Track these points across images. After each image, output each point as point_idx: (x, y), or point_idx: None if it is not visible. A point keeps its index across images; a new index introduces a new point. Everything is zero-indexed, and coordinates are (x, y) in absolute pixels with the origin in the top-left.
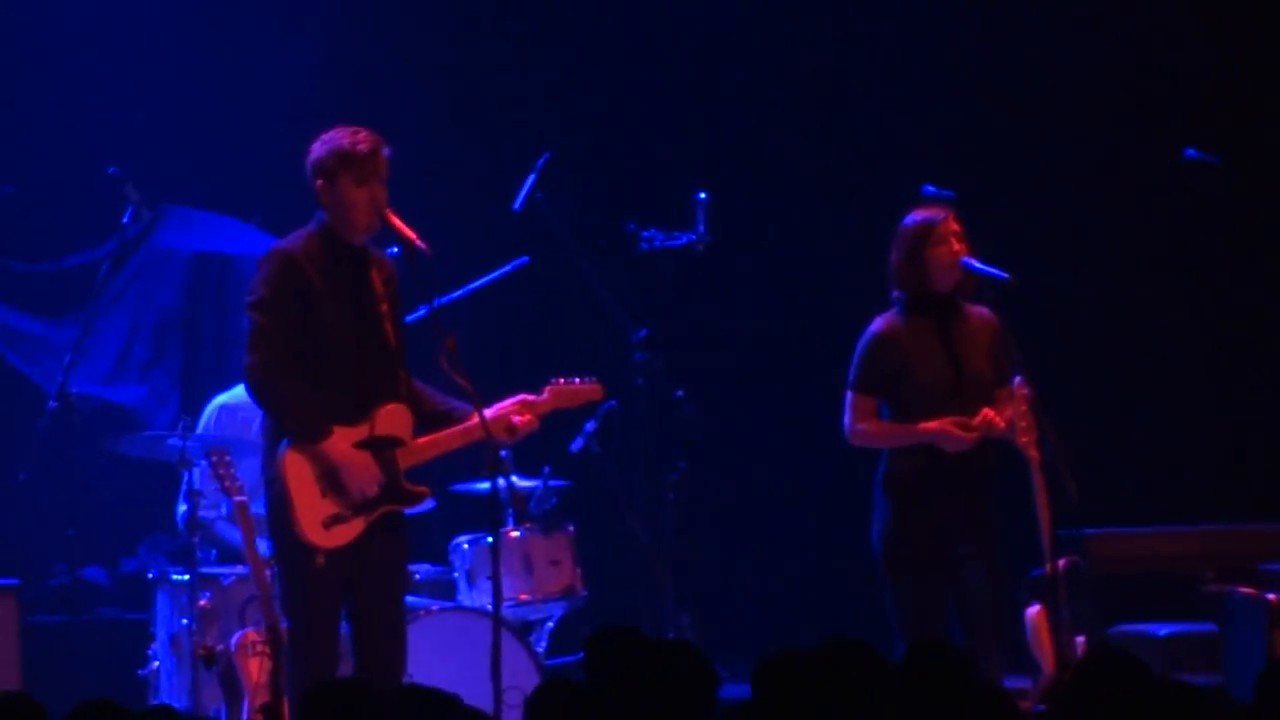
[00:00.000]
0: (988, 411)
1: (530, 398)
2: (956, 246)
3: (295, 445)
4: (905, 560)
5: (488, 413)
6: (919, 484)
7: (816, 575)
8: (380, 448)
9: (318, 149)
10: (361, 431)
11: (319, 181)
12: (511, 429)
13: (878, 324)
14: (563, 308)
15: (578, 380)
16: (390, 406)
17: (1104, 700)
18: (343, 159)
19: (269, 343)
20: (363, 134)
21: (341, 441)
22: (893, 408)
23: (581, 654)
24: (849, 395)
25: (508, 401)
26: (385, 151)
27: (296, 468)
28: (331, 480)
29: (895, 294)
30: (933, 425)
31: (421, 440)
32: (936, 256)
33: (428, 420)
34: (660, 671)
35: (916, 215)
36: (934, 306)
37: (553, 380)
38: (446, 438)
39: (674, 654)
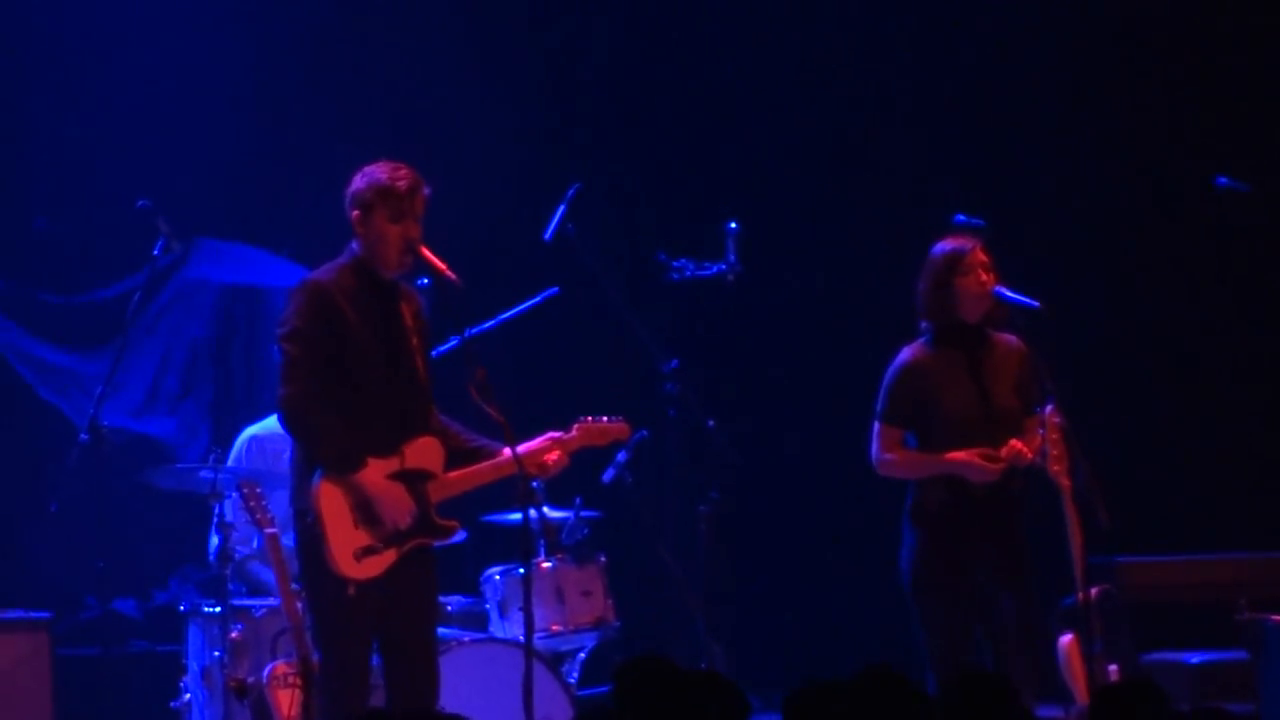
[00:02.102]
0: (1015, 443)
1: (559, 435)
2: (984, 277)
3: (329, 476)
4: (934, 590)
5: (521, 448)
6: (947, 514)
7: (849, 605)
8: (412, 481)
9: (358, 181)
10: (393, 464)
11: (355, 213)
12: (543, 466)
13: (905, 354)
14: (593, 338)
15: (605, 419)
16: (421, 440)
17: None
18: (380, 194)
19: (302, 373)
20: (404, 171)
21: (375, 473)
22: (920, 438)
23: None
24: (876, 425)
25: (538, 439)
26: (424, 191)
27: (330, 498)
28: (365, 511)
29: (923, 324)
30: (959, 456)
31: (453, 474)
32: (965, 286)
33: (455, 456)
34: (690, 701)
35: (945, 245)
36: (962, 336)
37: (581, 418)
38: (478, 472)
39: (704, 684)
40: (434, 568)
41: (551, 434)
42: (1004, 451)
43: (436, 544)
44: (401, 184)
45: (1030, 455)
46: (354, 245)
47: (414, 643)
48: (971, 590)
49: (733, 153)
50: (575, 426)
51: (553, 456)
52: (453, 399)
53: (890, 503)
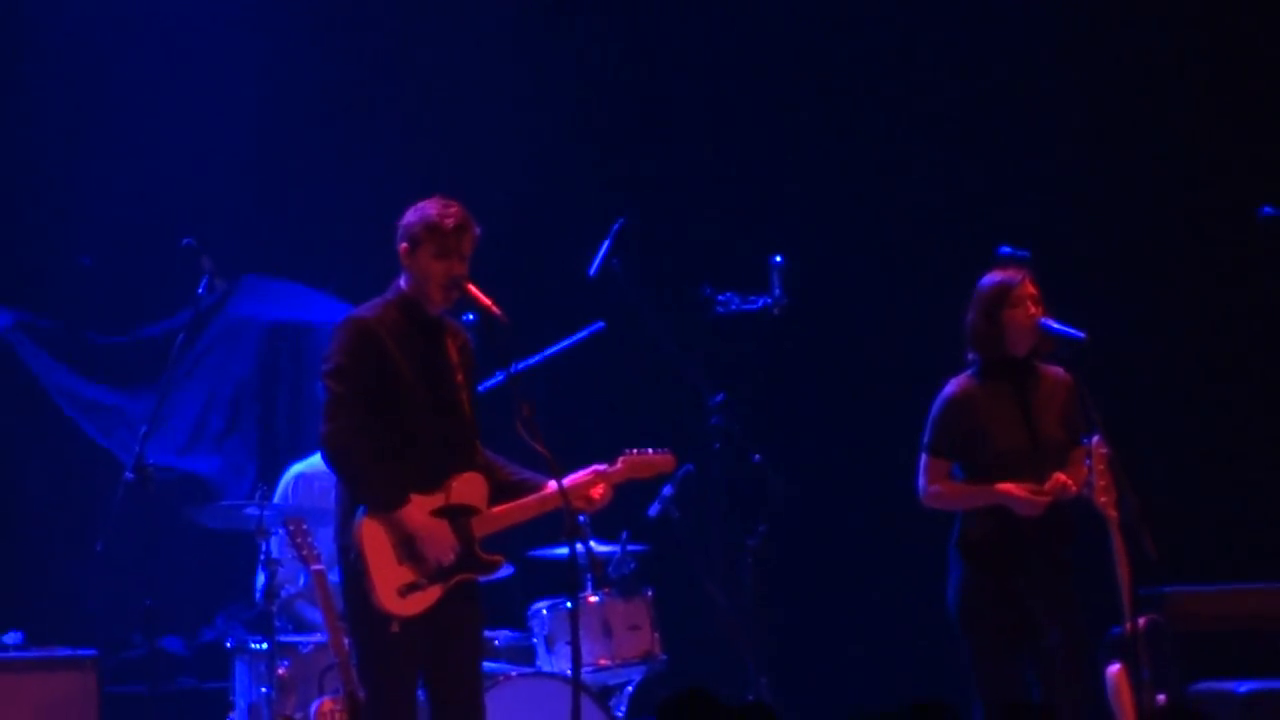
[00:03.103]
0: (1060, 476)
1: (604, 468)
2: (1033, 309)
3: (372, 513)
4: (982, 622)
5: (565, 481)
6: (993, 546)
7: (896, 637)
8: (456, 516)
9: (409, 215)
10: (438, 500)
11: (403, 245)
12: (589, 500)
13: (952, 386)
14: (639, 373)
15: (650, 451)
16: (466, 475)
17: None
18: (429, 229)
19: (345, 410)
20: (454, 209)
21: (418, 510)
22: (967, 470)
23: None
24: (923, 458)
25: (583, 472)
26: (475, 230)
27: (373, 535)
28: (408, 548)
29: (970, 355)
30: (1006, 488)
31: (497, 509)
32: (1014, 319)
33: (500, 490)
34: None
35: (993, 277)
36: (1009, 368)
37: (626, 451)
38: (523, 507)
39: (747, 717)
40: (479, 603)
41: (597, 467)
42: (1049, 485)
43: (481, 579)
44: (450, 221)
45: (1075, 488)
46: (400, 281)
47: (459, 678)
48: (1018, 622)
49: (778, 186)
50: (620, 459)
51: (598, 490)
52: (499, 435)
53: (937, 535)
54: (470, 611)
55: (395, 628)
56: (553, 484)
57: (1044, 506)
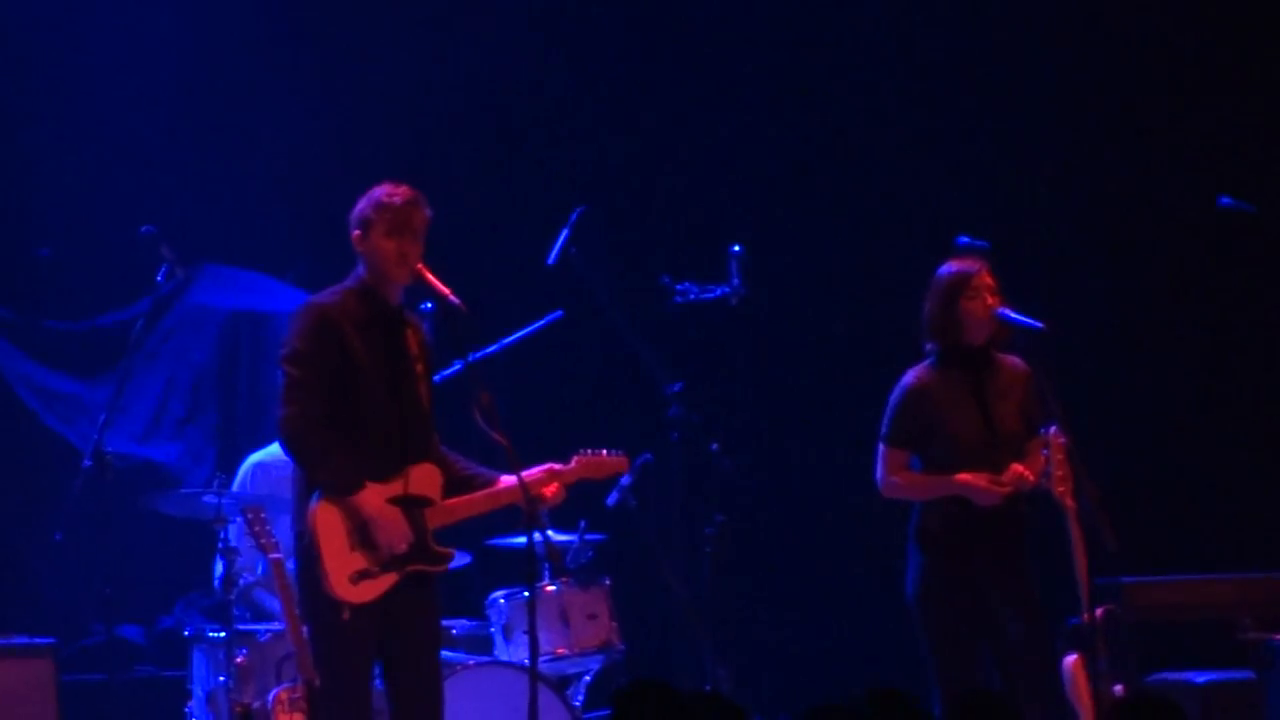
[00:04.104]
0: (1018, 467)
1: (558, 467)
2: (990, 300)
3: (327, 498)
4: (940, 611)
5: (510, 479)
6: (951, 535)
7: (854, 626)
8: (411, 506)
9: (360, 201)
10: (394, 489)
11: (355, 232)
12: (541, 497)
13: (910, 377)
14: (597, 362)
15: (605, 452)
16: (423, 466)
17: None
18: (378, 208)
19: (303, 395)
20: (403, 189)
21: (374, 496)
22: (925, 460)
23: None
24: (881, 448)
25: (537, 469)
26: (425, 211)
27: (327, 521)
28: (362, 535)
29: (928, 346)
30: (965, 478)
31: (451, 502)
32: (971, 309)
33: (453, 484)
34: None
35: (950, 267)
36: (967, 358)
37: (581, 451)
38: (476, 500)
39: (704, 705)
40: (435, 592)
41: (551, 465)
42: (1007, 476)
43: (434, 570)
44: (398, 199)
45: (1033, 479)
46: (359, 269)
47: (416, 667)
48: (976, 611)
49: (736, 176)
50: (575, 459)
51: (551, 489)
52: (457, 423)
53: (895, 524)
54: (424, 600)
55: (346, 615)
56: (505, 480)
57: (1003, 497)
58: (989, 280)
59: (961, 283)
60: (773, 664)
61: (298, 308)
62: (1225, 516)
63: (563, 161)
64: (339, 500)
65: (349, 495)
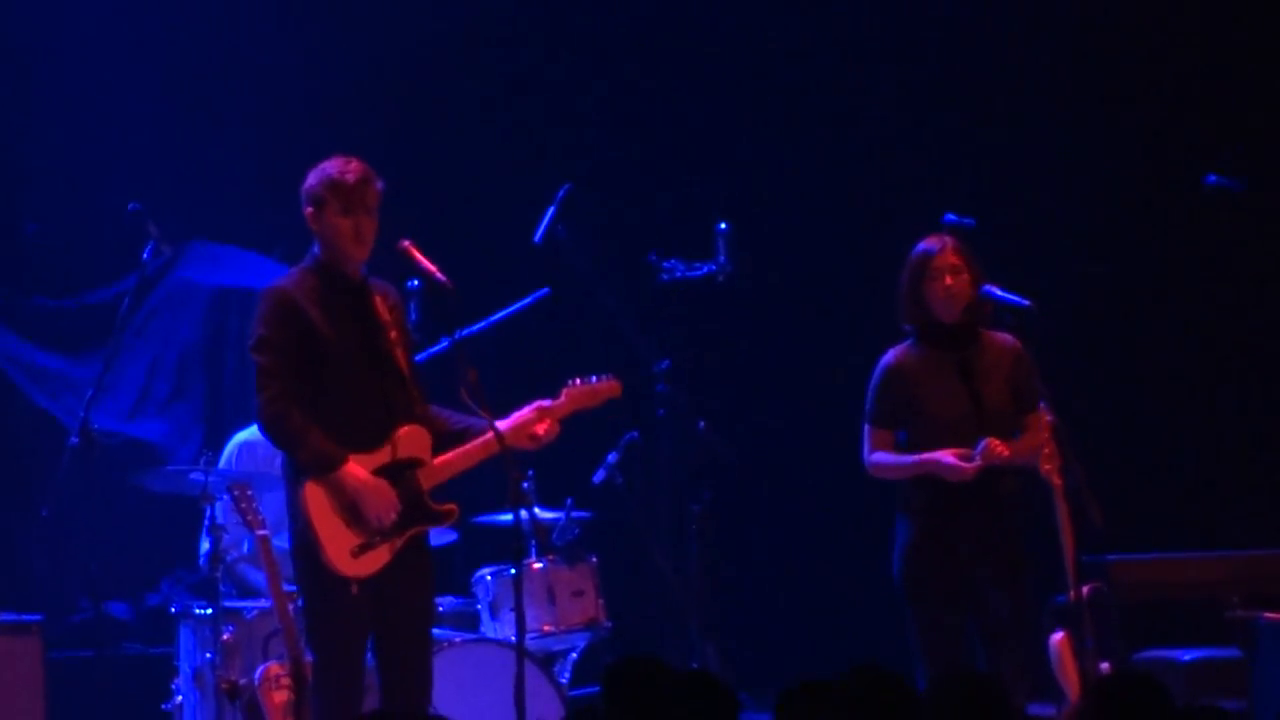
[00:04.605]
0: (992, 441)
1: (547, 403)
2: (949, 280)
3: (312, 478)
4: (924, 588)
5: (505, 423)
6: (936, 512)
7: (841, 603)
8: (402, 471)
9: (310, 178)
10: (382, 456)
11: (308, 210)
12: (533, 437)
13: (888, 357)
14: (584, 339)
15: (594, 378)
16: (407, 429)
17: None
18: (330, 187)
19: (274, 380)
20: (354, 164)
21: (358, 470)
22: (909, 439)
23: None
24: (865, 427)
25: (525, 410)
26: (376, 184)
27: (317, 501)
28: (352, 510)
29: (905, 326)
30: (934, 455)
31: (441, 459)
32: (932, 291)
33: (445, 440)
34: (679, 701)
35: (918, 246)
36: (949, 336)
37: (569, 382)
38: (466, 453)
39: (693, 683)
40: (431, 568)
41: (540, 403)
42: (978, 451)
43: (434, 535)
44: (350, 176)
45: (1006, 452)
46: (314, 248)
47: (409, 644)
48: (962, 588)
49: (723, 153)
50: (563, 392)
51: (542, 427)
52: (443, 401)
53: (882, 501)
54: (421, 572)
55: (355, 590)
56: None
57: (974, 472)
58: (951, 260)
59: (923, 264)
60: (759, 641)
61: (259, 294)
62: (1212, 495)
63: (549, 139)
64: (323, 479)
65: (331, 473)
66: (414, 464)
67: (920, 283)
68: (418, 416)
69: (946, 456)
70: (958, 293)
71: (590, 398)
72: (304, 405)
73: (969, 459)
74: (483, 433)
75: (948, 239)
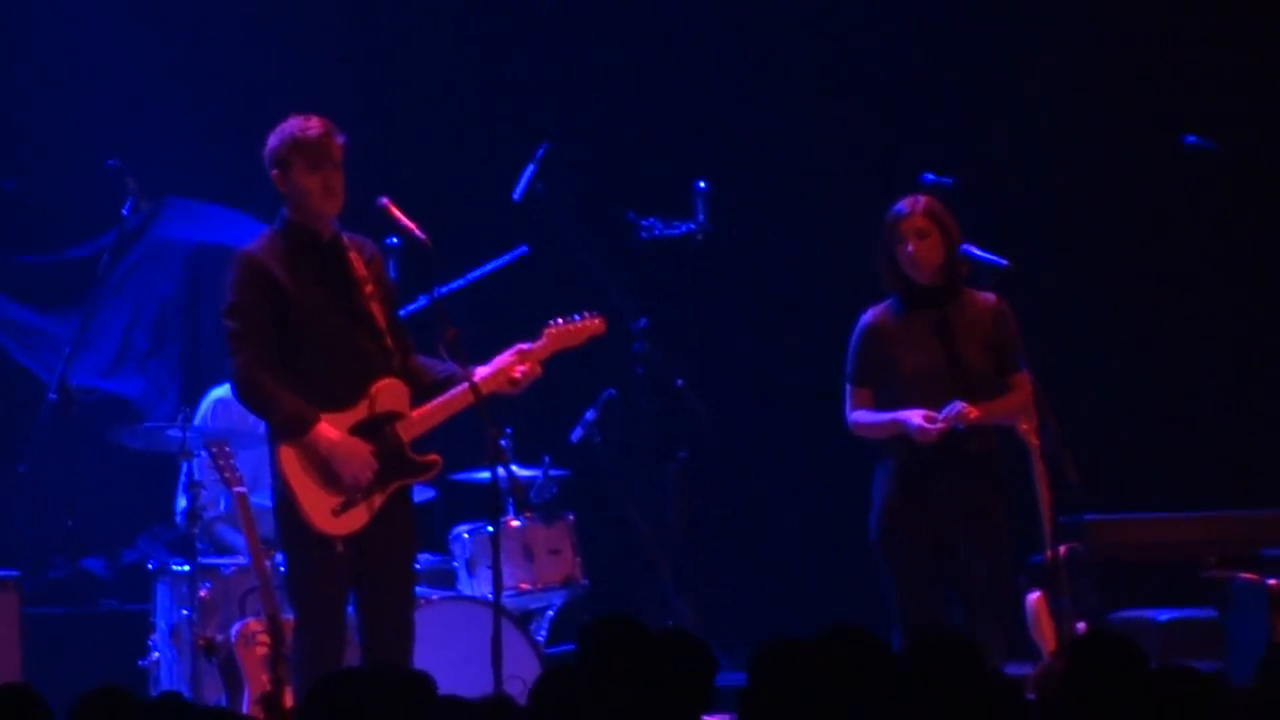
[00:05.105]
0: (959, 404)
1: (527, 346)
2: (912, 246)
3: (286, 440)
4: (901, 547)
5: (485, 370)
6: (914, 470)
7: (818, 563)
8: (381, 426)
9: (271, 140)
10: (359, 412)
11: (274, 172)
12: (513, 380)
13: (868, 316)
14: (562, 297)
15: (576, 317)
16: (383, 382)
17: (1100, 686)
18: (294, 146)
19: (246, 345)
20: (314, 120)
21: (330, 430)
22: (889, 399)
23: None
24: (847, 387)
25: (505, 354)
26: (339, 138)
27: (293, 463)
28: (327, 470)
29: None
30: (899, 415)
31: (419, 411)
32: (901, 254)
33: (427, 390)
34: (655, 659)
35: (892, 207)
36: (929, 296)
37: (550, 322)
38: (445, 403)
39: (669, 642)
40: (414, 523)
41: (520, 345)
42: (944, 413)
43: (417, 486)
44: (313, 132)
45: (975, 416)
46: (283, 211)
47: (390, 598)
48: (940, 547)
49: (702, 111)
50: (544, 332)
51: (521, 370)
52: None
53: (860, 461)
54: (403, 528)
55: (340, 548)
56: (477, 373)
57: (936, 435)
58: (919, 223)
59: (893, 226)
60: (735, 599)
61: (230, 260)
62: (1189, 455)
63: (529, 97)
64: (296, 442)
65: (304, 434)
66: (392, 418)
67: (891, 245)
68: (396, 370)
69: (913, 418)
70: (922, 257)
71: (572, 337)
72: (276, 368)
73: (934, 421)
74: (461, 381)
75: (921, 200)
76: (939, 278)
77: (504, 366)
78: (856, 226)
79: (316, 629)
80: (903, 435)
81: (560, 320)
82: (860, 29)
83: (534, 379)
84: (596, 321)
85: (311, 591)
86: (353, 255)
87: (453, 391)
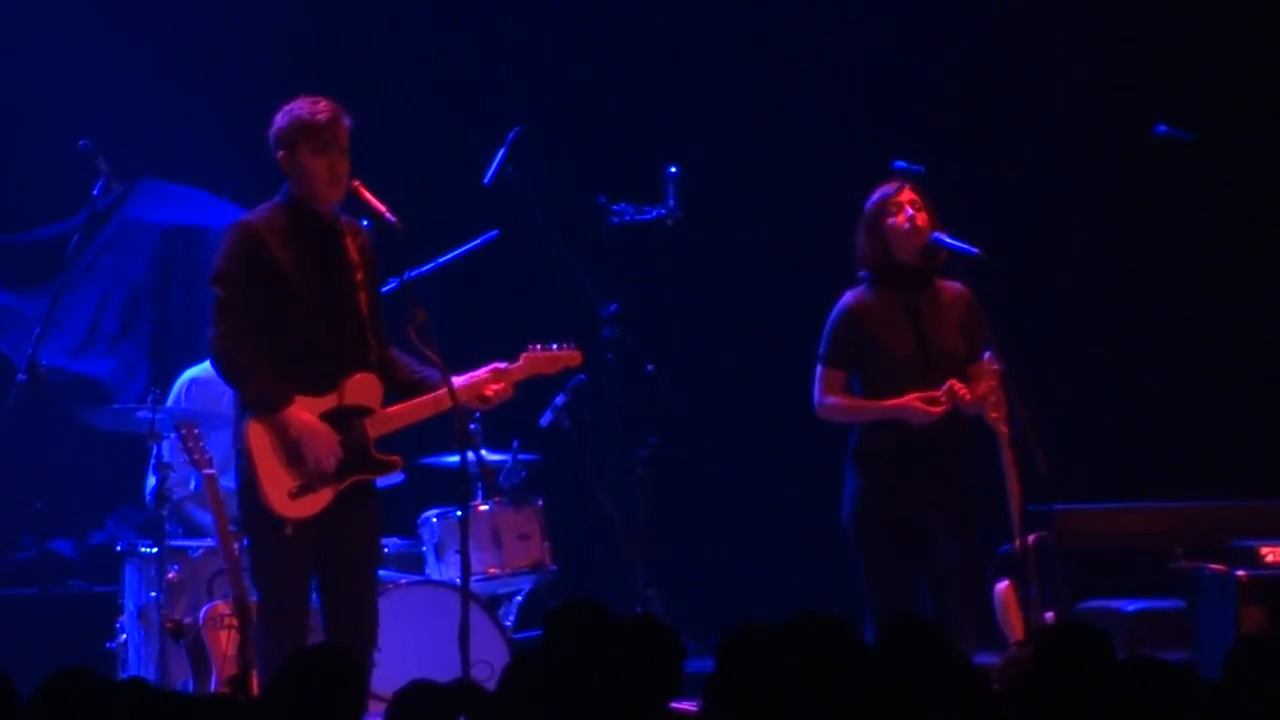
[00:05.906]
0: (954, 383)
1: (503, 366)
2: (908, 213)
3: (256, 416)
4: (874, 536)
5: (460, 381)
6: (888, 459)
7: (787, 550)
8: (348, 418)
9: (279, 120)
10: (329, 401)
11: (280, 153)
12: (484, 398)
13: (849, 297)
14: (533, 282)
15: (555, 346)
16: (359, 376)
17: (1065, 676)
18: (302, 129)
19: (231, 315)
20: (322, 103)
21: (303, 412)
22: (863, 381)
23: None
24: (819, 369)
25: (481, 370)
26: (346, 121)
27: (259, 439)
28: (293, 451)
29: (861, 274)
30: (898, 401)
31: (391, 410)
32: (894, 226)
33: (401, 388)
34: (623, 645)
35: (875, 193)
36: (904, 280)
37: (529, 346)
38: (417, 406)
39: (637, 627)
40: (375, 506)
41: (496, 365)
42: (941, 392)
43: (378, 480)
44: (322, 116)
45: (969, 397)
46: (286, 186)
47: (353, 584)
48: (912, 535)
49: (673, 96)
50: (522, 355)
51: (494, 388)
52: (393, 341)
53: (830, 447)
54: (365, 514)
55: (289, 531)
56: (453, 383)
57: (938, 414)
58: (909, 196)
59: (882, 203)
60: (704, 586)
61: (226, 227)
62: (1158, 445)
63: (500, 80)
64: (267, 418)
65: (276, 412)
66: (362, 412)
67: (880, 222)
68: (373, 363)
69: (911, 400)
70: (920, 226)
71: (548, 364)
72: (256, 342)
73: (934, 402)
74: (438, 385)
75: (903, 181)
76: (921, 259)
77: (478, 382)
78: (827, 212)
79: (278, 612)
80: (891, 421)
81: (539, 346)
82: (830, 15)
83: (504, 399)
84: (575, 354)
85: (272, 574)
86: (349, 240)
87: (427, 396)
